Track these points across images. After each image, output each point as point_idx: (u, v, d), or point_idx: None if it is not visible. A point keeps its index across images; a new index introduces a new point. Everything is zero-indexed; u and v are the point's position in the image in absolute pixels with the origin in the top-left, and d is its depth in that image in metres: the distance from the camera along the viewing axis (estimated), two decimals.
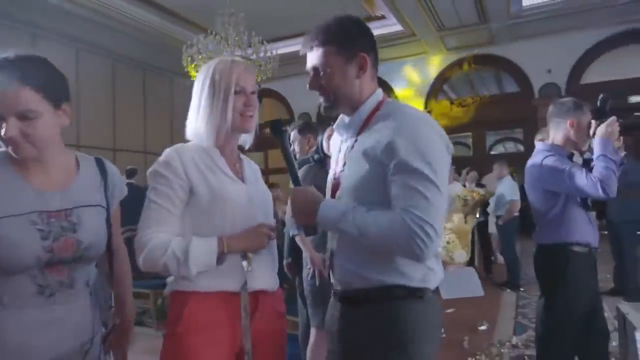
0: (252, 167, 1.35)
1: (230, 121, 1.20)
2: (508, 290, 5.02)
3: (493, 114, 10.72)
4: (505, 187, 5.38)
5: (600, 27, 9.21)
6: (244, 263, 1.17)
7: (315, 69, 1.16)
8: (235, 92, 1.20)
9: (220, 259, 1.14)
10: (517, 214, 5.31)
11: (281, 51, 8.42)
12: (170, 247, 1.13)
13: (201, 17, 8.57)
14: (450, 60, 10.86)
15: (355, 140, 1.17)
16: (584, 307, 1.90)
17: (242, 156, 1.34)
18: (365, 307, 1.12)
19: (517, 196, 5.26)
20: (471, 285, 1.96)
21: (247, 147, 1.34)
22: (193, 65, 7.39)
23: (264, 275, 1.22)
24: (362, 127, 1.16)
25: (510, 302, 4.59)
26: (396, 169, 1.03)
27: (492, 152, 12.03)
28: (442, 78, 11.15)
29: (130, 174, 6.00)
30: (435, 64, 11.03)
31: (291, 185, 1.22)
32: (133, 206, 5.29)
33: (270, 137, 1.17)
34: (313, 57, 1.16)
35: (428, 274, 1.14)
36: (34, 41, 8.58)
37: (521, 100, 10.37)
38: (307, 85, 1.19)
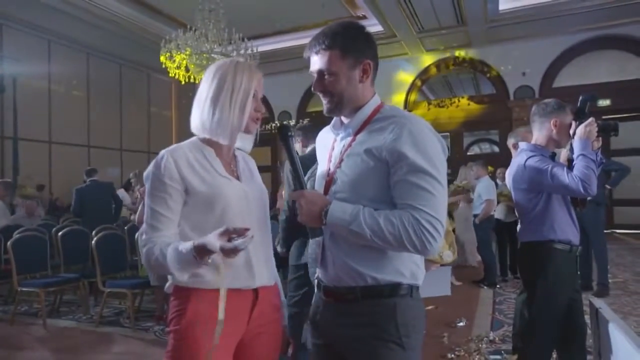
0: (247, 163, 1.36)
1: (243, 123, 1.23)
2: (484, 287, 5.14)
3: (470, 115, 10.98)
4: (482, 187, 5.50)
5: (572, 32, 9.56)
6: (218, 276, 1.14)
7: (320, 72, 1.18)
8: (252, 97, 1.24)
9: (200, 262, 1.13)
10: (493, 213, 5.44)
11: (261, 49, 8.37)
12: (155, 255, 1.15)
13: (180, 12, 8.43)
14: (429, 61, 11.05)
15: (353, 140, 1.19)
16: (563, 303, 1.97)
17: (238, 152, 1.35)
18: (360, 303, 1.14)
19: (493, 195, 5.39)
20: (442, 284, 2.00)
21: (248, 150, 1.35)
22: (171, 62, 7.26)
23: (262, 272, 1.24)
24: (361, 128, 1.20)
25: (487, 298, 4.71)
26: (404, 169, 1.07)
27: (468, 153, 12.29)
28: (421, 79, 11.34)
29: (89, 173, 5.86)
30: (414, 65, 11.20)
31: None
32: (99, 204, 5.09)
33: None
34: (318, 61, 1.18)
35: (416, 270, 1.18)
36: (2, 32, 8.24)
37: (497, 102, 10.65)
38: (312, 88, 1.22)
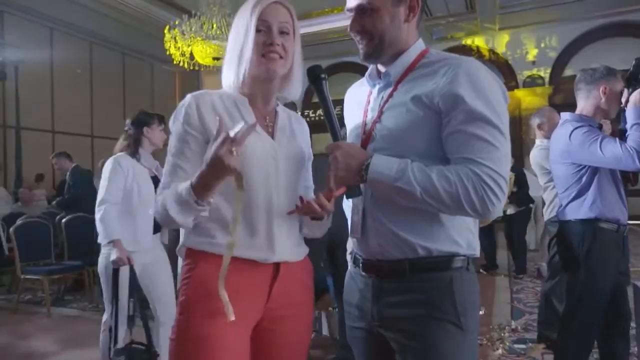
0: (292, 122, 1.18)
1: (248, 64, 1.05)
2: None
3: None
4: None
5: (584, 19, 9.32)
6: (237, 197, 0.96)
7: (359, 7, 1.01)
8: (258, 30, 1.05)
9: (201, 201, 0.96)
10: None
11: None
12: (159, 203, 1.03)
13: None
14: (438, 50, 10.81)
15: (395, 89, 1.03)
16: (608, 287, 1.82)
17: (282, 109, 1.18)
18: (409, 278, 0.99)
19: None
20: None
21: (293, 99, 1.18)
22: (175, 48, 7.09)
23: (285, 244, 1.08)
24: (404, 75, 1.03)
25: (503, 287, 4.58)
26: (461, 117, 0.91)
27: None
28: None
29: (70, 157, 5.58)
30: None
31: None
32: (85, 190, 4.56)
33: None
34: None
35: (473, 240, 1.03)
36: (3, 19, 8.08)
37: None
38: (348, 28, 1.05)
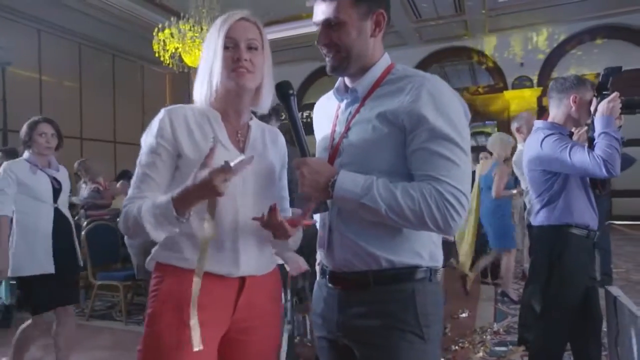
0: (265, 136, 1.20)
1: (218, 80, 1.08)
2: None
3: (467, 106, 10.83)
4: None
5: (571, 22, 9.44)
6: (205, 225, 1.00)
7: (326, 21, 1.04)
8: (226, 47, 1.08)
9: (179, 218, 0.99)
10: None
11: None
12: (132, 213, 1.04)
13: (174, 1, 8.22)
14: (426, 52, 10.89)
15: (362, 105, 1.06)
16: (580, 291, 1.86)
17: (255, 123, 1.20)
18: (373, 290, 1.02)
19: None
20: None
21: (261, 112, 1.20)
22: (164, 51, 7.07)
23: (250, 259, 1.10)
24: (371, 91, 1.06)
25: (488, 290, 4.63)
26: (424, 136, 0.95)
27: None
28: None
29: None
30: (411, 56, 11.03)
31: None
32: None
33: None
34: (326, 9, 1.03)
35: (436, 251, 1.07)
36: None
37: (494, 92, 10.53)
38: (316, 41, 1.08)
